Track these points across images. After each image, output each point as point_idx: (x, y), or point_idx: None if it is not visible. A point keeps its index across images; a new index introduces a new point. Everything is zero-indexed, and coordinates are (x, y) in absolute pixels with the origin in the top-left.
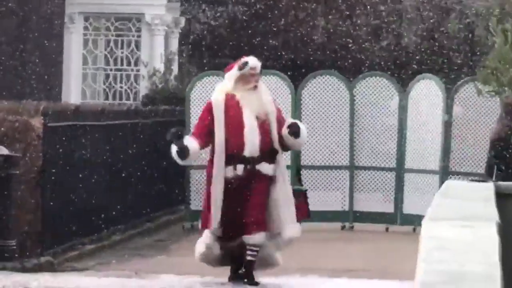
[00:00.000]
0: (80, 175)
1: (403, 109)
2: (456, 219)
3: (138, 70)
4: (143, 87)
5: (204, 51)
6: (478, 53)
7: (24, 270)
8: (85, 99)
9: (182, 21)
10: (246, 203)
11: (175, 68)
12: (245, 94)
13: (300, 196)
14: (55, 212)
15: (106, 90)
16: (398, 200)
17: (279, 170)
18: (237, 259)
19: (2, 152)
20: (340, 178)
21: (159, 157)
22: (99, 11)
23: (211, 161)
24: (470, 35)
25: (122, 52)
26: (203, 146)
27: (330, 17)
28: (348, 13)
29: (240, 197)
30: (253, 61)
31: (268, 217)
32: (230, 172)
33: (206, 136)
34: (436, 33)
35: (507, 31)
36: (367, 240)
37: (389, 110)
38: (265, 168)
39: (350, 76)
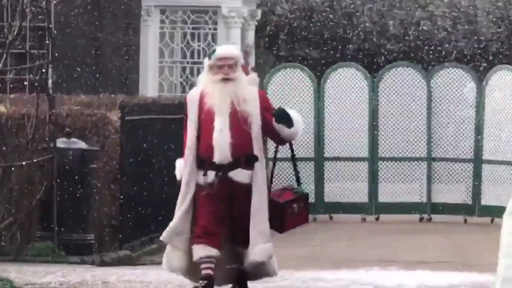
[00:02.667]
0: (157, 168)
1: (480, 100)
2: None
3: None
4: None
5: (281, 43)
6: None
7: (102, 264)
8: (162, 92)
9: (259, 13)
10: (232, 214)
11: (251, 60)
12: (217, 89)
13: (302, 201)
14: (133, 206)
15: (183, 83)
16: (476, 192)
17: (255, 179)
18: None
19: (80, 146)
20: (417, 170)
21: None
22: (176, 4)
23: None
24: None
25: (198, 45)
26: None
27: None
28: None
29: (221, 205)
30: (223, 50)
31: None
32: (201, 177)
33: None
34: None
35: None
36: (445, 232)
37: (467, 102)
38: (240, 176)
39: (427, 67)
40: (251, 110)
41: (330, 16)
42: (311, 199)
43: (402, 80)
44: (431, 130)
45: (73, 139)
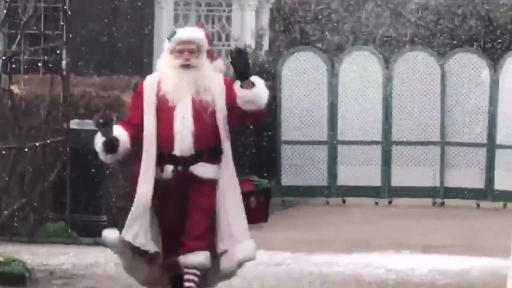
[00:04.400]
0: None
1: (494, 85)
2: None
3: (229, 46)
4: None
5: (295, 26)
6: None
7: None
8: None
9: None
10: (183, 216)
11: (265, 43)
12: (175, 75)
13: (261, 195)
14: None
15: None
16: (489, 176)
17: (226, 171)
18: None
19: (93, 128)
20: (431, 154)
21: (250, 133)
22: None
23: (139, 157)
24: None
25: (213, 28)
26: (134, 137)
27: None
28: None
29: (176, 206)
30: (184, 33)
31: (214, 233)
32: (158, 173)
33: (137, 125)
34: None
35: None
36: (457, 216)
37: (479, 87)
38: (202, 170)
39: (441, 52)
40: (213, 99)
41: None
42: (324, 182)
43: (416, 64)
44: (444, 114)
45: (86, 121)
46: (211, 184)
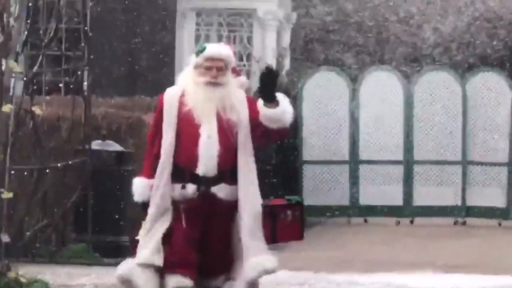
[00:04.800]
0: None
1: None
2: None
3: (250, 66)
4: (255, 83)
5: (316, 47)
6: None
7: None
8: None
9: (294, 16)
10: (208, 237)
11: (287, 63)
12: (201, 92)
13: (296, 209)
14: None
15: None
16: (511, 195)
17: (243, 191)
18: None
19: (115, 149)
20: (452, 173)
21: (271, 152)
22: (212, 7)
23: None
24: None
25: (234, 48)
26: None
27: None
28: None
29: (198, 226)
30: (214, 49)
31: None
32: (178, 190)
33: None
34: None
35: None
36: (479, 235)
37: (501, 107)
38: (224, 191)
39: (463, 71)
40: (238, 118)
41: (365, 21)
42: (346, 201)
43: (437, 83)
44: (466, 134)
45: (108, 141)
46: (231, 205)
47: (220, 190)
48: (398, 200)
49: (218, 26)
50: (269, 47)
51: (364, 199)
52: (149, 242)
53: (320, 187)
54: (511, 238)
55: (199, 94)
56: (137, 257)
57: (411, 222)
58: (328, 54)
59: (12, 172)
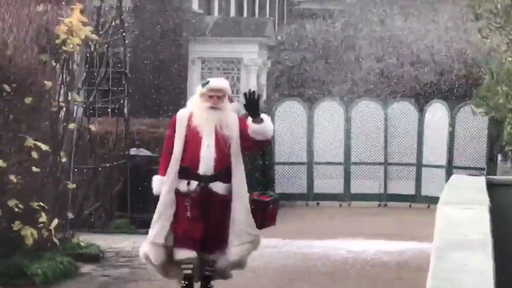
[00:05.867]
0: None
1: (420, 124)
2: (460, 203)
3: (238, 97)
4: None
5: (284, 84)
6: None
7: None
8: None
9: (269, 63)
10: (207, 221)
11: (264, 95)
12: (204, 113)
13: (275, 204)
14: None
15: None
16: (418, 185)
17: (235, 188)
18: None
19: (146, 154)
20: (378, 171)
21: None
22: (212, 56)
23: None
24: None
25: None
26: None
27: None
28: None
29: (199, 212)
30: (215, 83)
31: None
32: (184, 186)
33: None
34: None
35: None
36: (396, 214)
37: (409, 125)
38: (219, 187)
39: (384, 100)
40: (231, 133)
41: (318, 67)
42: (304, 190)
43: (367, 108)
44: (386, 143)
45: (141, 149)
46: (224, 198)
47: (216, 186)
48: (340, 189)
49: (216, 70)
50: (251, 84)
51: (317, 189)
52: (156, 225)
53: (287, 180)
54: (418, 216)
55: (203, 115)
56: (147, 237)
57: (349, 204)
58: (292, 89)
59: (75, 170)
